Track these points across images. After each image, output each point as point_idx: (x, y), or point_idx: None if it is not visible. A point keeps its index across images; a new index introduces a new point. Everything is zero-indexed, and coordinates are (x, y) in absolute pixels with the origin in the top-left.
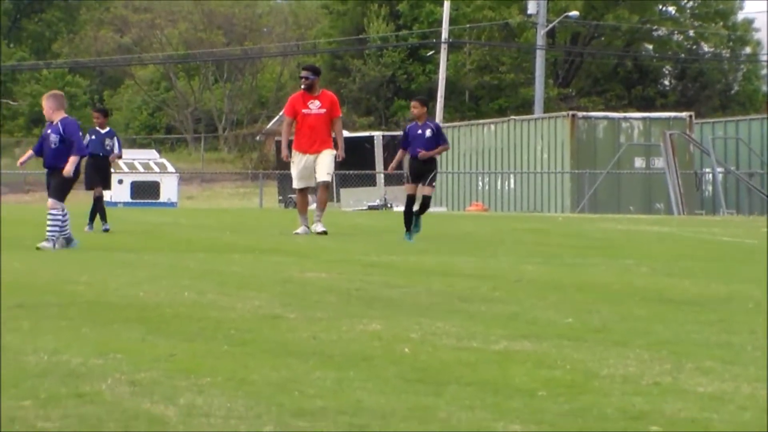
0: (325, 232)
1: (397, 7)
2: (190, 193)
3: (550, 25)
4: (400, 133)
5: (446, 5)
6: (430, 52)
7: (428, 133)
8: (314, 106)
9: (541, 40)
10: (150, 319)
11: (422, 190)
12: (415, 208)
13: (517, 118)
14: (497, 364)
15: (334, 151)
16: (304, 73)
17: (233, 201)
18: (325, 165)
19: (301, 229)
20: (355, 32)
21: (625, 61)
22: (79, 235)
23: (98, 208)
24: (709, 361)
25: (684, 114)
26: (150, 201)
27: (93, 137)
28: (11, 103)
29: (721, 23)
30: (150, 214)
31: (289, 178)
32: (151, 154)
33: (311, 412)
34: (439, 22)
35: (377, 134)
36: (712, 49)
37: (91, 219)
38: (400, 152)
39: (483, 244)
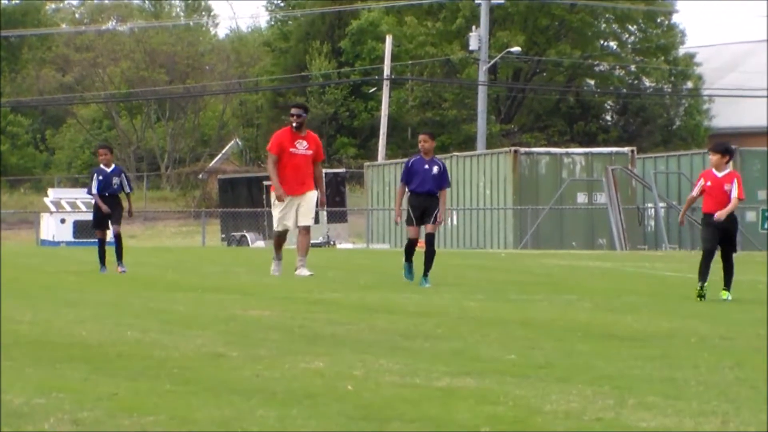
0: (311, 275)
1: (339, 44)
2: (133, 232)
3: (492, 61)
4: (342, 170)
5: (388, 42)
6: (373, 89)
7: (435, 170)
8: (302, 147)
9: (483, 75)
10: (93, 358)
11: (426, 228)
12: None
13: (459, 154)
14: (440, 400)
15: (317, 194)
16: (295, 111)
17: (176, 239)
18: (308, 209)
19: (275, 266)
20: (297, 69)
21: (567, 97)
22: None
23: (119, 246)
24: (652, 396)
25: (626, 149)
26: (93, 240)
27: (101, 177)
28: None
29: (663, 58)
30: (93, 254)
31: (231, 216)
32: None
33: None
34: (381, 59)
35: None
36: (653, 84)
37: (118, 257)
38: (400, 187)
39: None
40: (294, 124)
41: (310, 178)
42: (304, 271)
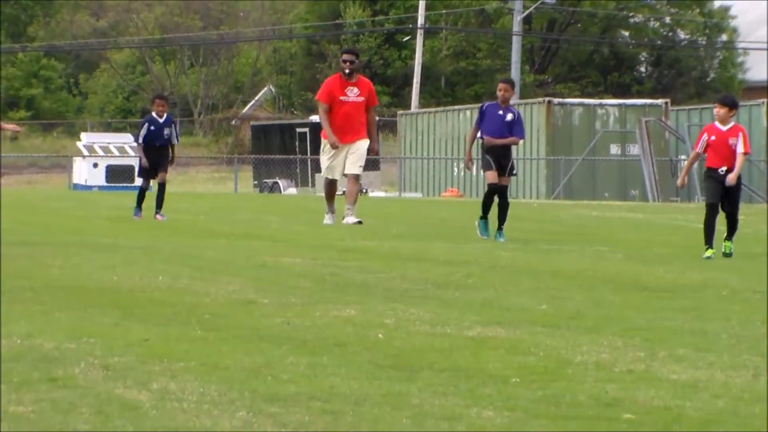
0: (359, 222)
1: None
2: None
3: (527, 12)
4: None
5: None
6: (406, 38)
7: (509, 117)
8: (352, 94)
9: (517, 26)
10: (124, 303)
11: (501, 180)
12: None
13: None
14: (471, 350)
15: (368, 142)
16: (347, 57)
17: (208, 186)
18: (357, 157)
19: (329, 218)
20: (331, 17)
21: (601, 48)
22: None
23: (161, 194)
24: (683, 349)
25: (660, 101)
26: (125, 185)
27: (152, 128)
28: None
29: (698, 10)
30: (125, 198)
31: (263, 162)
32: (126, 138)
33: (284, 398)
34: (416, 8)
35: None
36: (688, 36)
37: (158, 206)
38: (472, 131)
39: (458, 230)
40: (346, 71)
41: (362, 126)
42: (351, 219)
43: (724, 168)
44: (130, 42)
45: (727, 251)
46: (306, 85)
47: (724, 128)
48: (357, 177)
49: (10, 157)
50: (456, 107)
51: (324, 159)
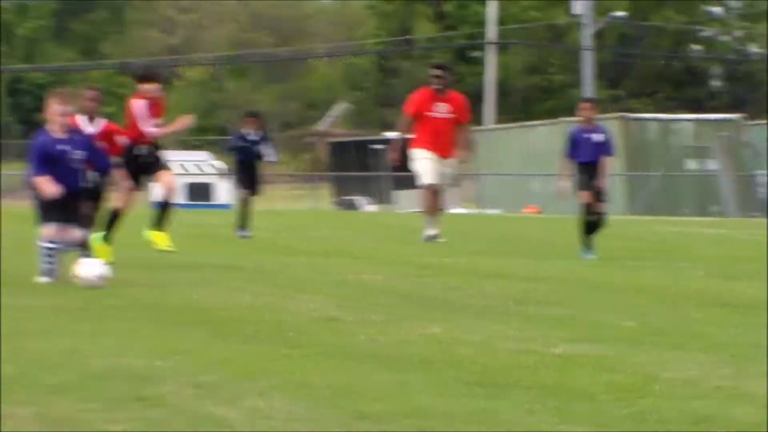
0: (437, 235)
1: (444, 8)
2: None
3: (597, 26)
4: None
5: (492, 5)
6: (478, 53)
7: (596, 137)
8: (442, 110)
9: (587, 41)
10: (209, 321)
11: (598, 207)
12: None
13: (567, 119)
14: (557, 367)
15: (455, 162)
16: (437, 72)
17: (287, 203)
18: (448, 173)
19: (432, 232)
20: (401, 33)
21: (672, 63)
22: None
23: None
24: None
25: (735, 115)
26: (203, 203)
27: (240, 144)
28: None
29: None
30: (204, 216)
31: (341, 180)
32: (203, 156)
33: (373, 416)
34: (486, 23)
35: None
36: (760, 50)
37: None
38: (563, 159)
39: (538, 247)
40: (435, 87)
41: (453, 143)
42: (431, 231)
43: None
44: (203, 59)
45: None
46: (380, 101)
47: None
48: (443, 190)
49: None
50: (531, 123)
51: (422, 166)
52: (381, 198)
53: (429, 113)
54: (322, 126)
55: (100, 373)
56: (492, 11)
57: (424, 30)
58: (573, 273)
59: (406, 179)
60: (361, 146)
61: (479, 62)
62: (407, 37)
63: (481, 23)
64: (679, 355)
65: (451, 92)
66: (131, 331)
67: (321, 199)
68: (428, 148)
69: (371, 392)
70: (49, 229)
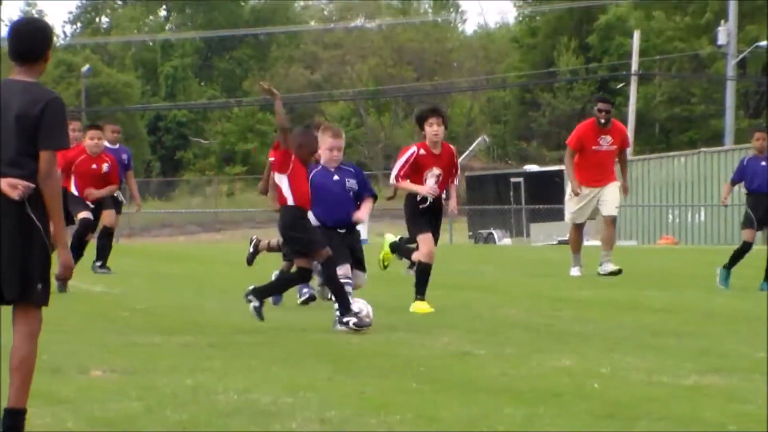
0: (619, 271)
1: (587, 40)
2: (380, 230)
3: (741, 56)
4: None
5: (636, 37)
6: (620, 85)
7: None
8: (605, 143)
9: (731, 70)
10: (337, 356)
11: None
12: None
13: (707, 150)
14: (687, 398)
15: (619, 184)
16: (602, 106)
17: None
18: (612, 198)
19: (575, 270)
20: (544, 65)
21: None
22: None
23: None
24: None
25: None
26: None
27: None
28: (202, 141)
29: None
30: None
31: (478, 213)
32: None
33: None
34: (629, 54)
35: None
36: None
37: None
38: (726, 186)
39: (674, 278)
40: (602, 121)
41: (613, 171)
42: (609, 266)
43: None
44: (345, 94)
45: None
46: (520, 134)
47: None
48: (614, 220)
49: (226, 212)
50: (671, 154)
51: (573, 205)
52: (517, 231)
53: (593, 147)
54: (462, 160)
55: (228, 409)
56: (636, 43)
57: (567, 62)
58: (707, 304)
59: (542, 212)
60: (500, 179)
61: (622, 94)
62: (550, 69)
63: (624, 55)
64: None
65: (615, 122)
66: (260, 367)
67: (458, 232)
68: (589, 183)
69: (501, 426)
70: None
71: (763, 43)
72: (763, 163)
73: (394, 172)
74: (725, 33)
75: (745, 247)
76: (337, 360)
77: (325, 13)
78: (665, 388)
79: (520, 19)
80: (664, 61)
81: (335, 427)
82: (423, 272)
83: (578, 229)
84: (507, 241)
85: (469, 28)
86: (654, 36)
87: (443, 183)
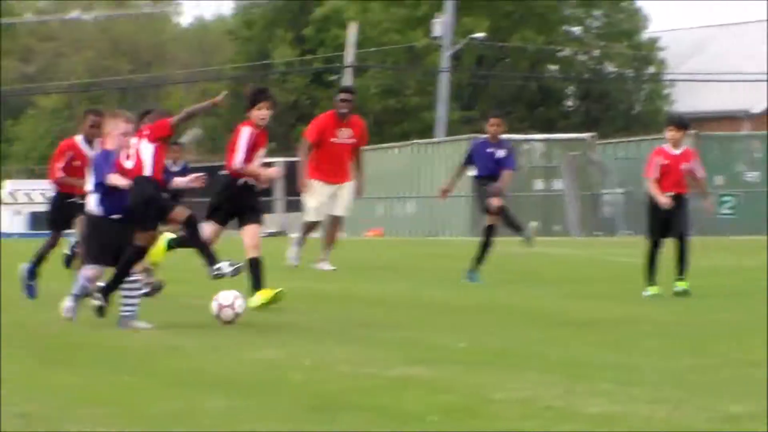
0: (333, 270)
1: (303, 32)
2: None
3: (456, 48)
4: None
5: (351, 28)
6: (335, 77)
7: (500, 153)
8: (344, 135)
9: (446, 62)
10: (47, 347)
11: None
12: None
13: (419, 141)
14: (392, 390)
15: (354, 185)
16: (344, 96)
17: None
18: (347, 200)
19: (293, 257)
20: (260, 58)
21: (529, 83)
22: None
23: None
24: (604, 383)
25: (586, 135)
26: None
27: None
28: None
29: (626, 43)
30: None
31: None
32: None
33: None
34: (345, 47)
35: (278, 161)
36: (616, 69)
37: None
38: (458, 168)
39: (382, 270)
40: (342, 111)
41: (348, 168)
42: (325, 266)
43: (673, 193)
44: (58, 87)
45: (684, 288)
46: (233, 127)
47: (676, 152)
48: (341, 221)
49: None
50: (383, 146)
51: (311, 202)
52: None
53: (332, 139)
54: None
55: None
56: (351, 34)
57: (283, 54)
58: (414, 295)
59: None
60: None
61: (336, 86)
62: (265, 62)
63: (339, 47)
64: (516, 375)
65: (354, 116)
66: None
67: None
68: (324, 178)
69: (205, 419)
70: None
71: (478, 35)
72: (490, 150)
73: (240, 157)
74: (441, 25)
75: (490, 230)
76: (45, 352)
77: (40, 5)
78: (370, 379)
79: (237, 11)
80: (379, 53)
81: (37, 421)
82: (254, 266)
83: (314, 225)
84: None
85: (185, 20)
86: (370, 28)
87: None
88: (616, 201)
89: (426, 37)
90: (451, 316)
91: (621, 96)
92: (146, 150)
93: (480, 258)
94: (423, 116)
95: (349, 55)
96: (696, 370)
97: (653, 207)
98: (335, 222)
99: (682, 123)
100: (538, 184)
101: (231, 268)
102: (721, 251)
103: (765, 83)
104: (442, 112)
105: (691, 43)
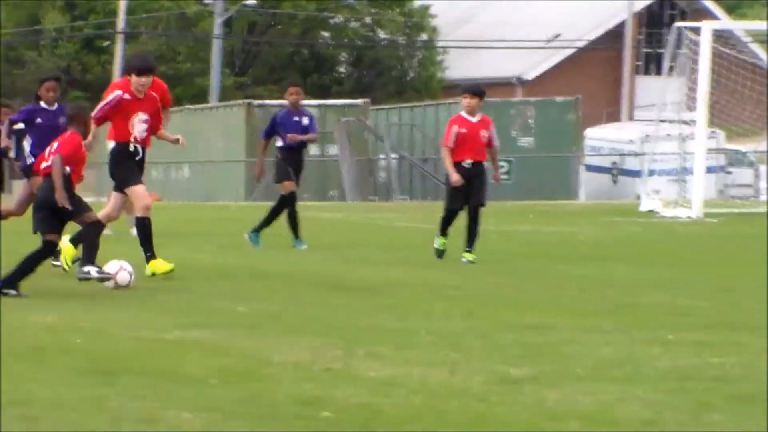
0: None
1: None
2: None
3: (227, 15)
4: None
5: None
6: (107, 43)
7: (305, 121)
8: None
9: (218, 29)
10: None
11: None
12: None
13: (191, 107)
14: (170, 353)
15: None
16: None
17: None
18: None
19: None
20: (31, 24)
21: (301, 50)
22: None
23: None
24: (382, 347)
25: (359, 101)
26: None
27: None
28: None
29: (398, 10)
30: None
31: None
32: None
33: None
34: (116, 13)
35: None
36: (388, 36)
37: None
38: (263, 143)
39: (159, 235)
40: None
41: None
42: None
43: (471, 161)
44: None
45: (470, 259)
46: (5, 92)
47: (473, 120)
48: None
49: None
50: None
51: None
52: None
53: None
54: None
55: None
56: (122, 2)
57: (54, 20)
58: (191, 260)
59: None
60: None
61: (108, 52)
62: (36, 27)
63: (111, 13)
64: (294, 338)
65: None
66: None
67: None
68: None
69: None
70: None
71: (250, 2)
72: (296, 118)
73: (94, 113)
74: None
75: (291, 198)
76: None
77: None
78: (148, 342)
79: None
80: (151, 20)
81: None
82: (143, 227)
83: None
84: None
85: None
86: None
87: (151, 129)
88: (391, 166)
89: (198, 3)
90: (230, 281)
91: (394, 63)
92: None
93: (266, 223)
94: (196, 82)
95: (121, 22)
96: (472, 333)
97: (457, 169)
98: None
99: (478, 90)
100: (313, 149)
101: (98, 275)
102: (494, 216)
103: (537, 50)
104: (215, 78)
105: (462, 11)
